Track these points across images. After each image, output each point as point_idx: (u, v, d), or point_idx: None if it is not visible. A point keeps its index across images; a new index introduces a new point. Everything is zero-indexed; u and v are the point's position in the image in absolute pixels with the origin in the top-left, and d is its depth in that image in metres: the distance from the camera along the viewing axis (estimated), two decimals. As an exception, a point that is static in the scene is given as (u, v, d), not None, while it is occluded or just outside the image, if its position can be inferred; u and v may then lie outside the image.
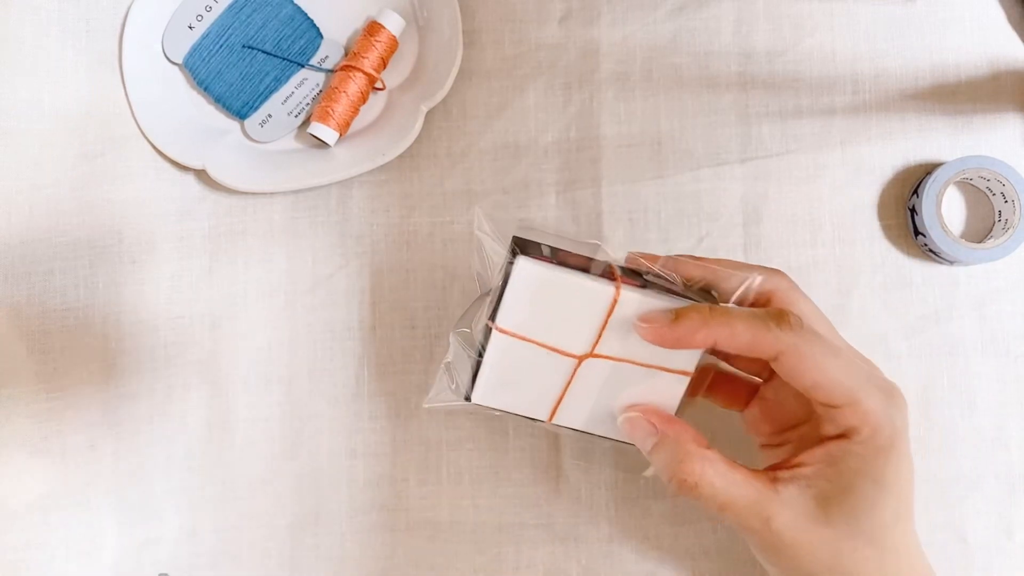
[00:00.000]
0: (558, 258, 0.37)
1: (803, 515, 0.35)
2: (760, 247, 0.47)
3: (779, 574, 0.38)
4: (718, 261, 0.39)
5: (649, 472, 0.41)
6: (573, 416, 0.39)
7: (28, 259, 0.45)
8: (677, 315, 0.35)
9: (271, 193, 0.48)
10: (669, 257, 0.39)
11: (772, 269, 0.39)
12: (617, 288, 0.36)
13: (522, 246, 0.37)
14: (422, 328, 0.47)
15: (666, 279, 0.38)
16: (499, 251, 0.38)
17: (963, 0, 0.48)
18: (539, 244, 0.37)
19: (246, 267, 0.48)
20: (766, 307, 0.37)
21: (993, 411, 0.46)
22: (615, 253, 0.38)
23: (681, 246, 0.47)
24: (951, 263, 0.46)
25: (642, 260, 0.38)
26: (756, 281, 0.37)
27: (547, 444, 0.47)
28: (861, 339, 0.46)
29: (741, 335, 0.35)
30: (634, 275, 0.37)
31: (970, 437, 0.46)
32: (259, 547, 0.47)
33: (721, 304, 0.37)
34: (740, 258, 0.47)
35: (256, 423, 0.47)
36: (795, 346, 0.34)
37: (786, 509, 0.35)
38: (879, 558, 0.35)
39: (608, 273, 0.37)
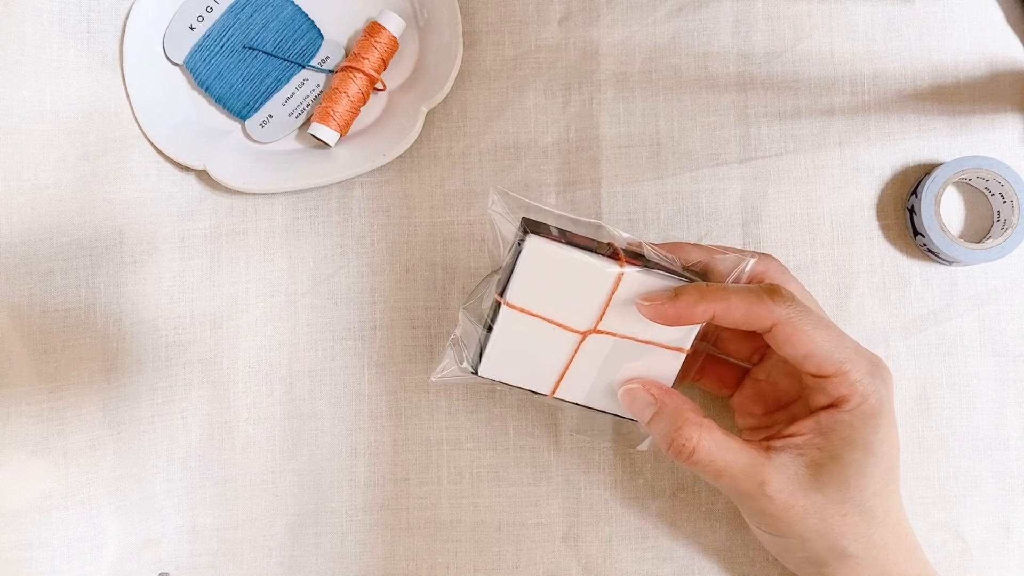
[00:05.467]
0: (567, 238, 0.38)
1: (795, 481, 0.37)
2: (759, 247, 0.47)
3: (771, 539, 0.40)
4: (713, 246, 0.41)
5: (643, 446, 0.42)
6: (574, 391, 0.41)
7: (29, 259, 0.45)
8: (676, 292, 0.37)
9: (272, 193, 0.48)
10: (667, 242, 0.41)
11: (763, 253, 0.41)
12: (621, 267, 0.38)
13: (532, 226, 0.38)
14: (422, 328, 0.48)
15: (666, 261, 0.39)
16: (511, 230, 0.39)
17: (962, 1, 0.48)
18: (548, 224, 0.39)
19: (247, 267, 0.48)
20: None
21: (991, 411, 0.46)
22: (620, 235, 0.39)
23: (680, 246, 0.47)
24: (950, 263, 0.46)
25: (644, 243, 0.39)
26: (749, 263, 0.39)
27: (547, 444, 0.47)
28: (860, 339, 0.46)
29: (737, 308, 0.36)
30: (637, 257, 0.39)
31: (969, 437, 0.46)
32: (260, 546, 0.47)
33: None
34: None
35: (257, 423, 0.47)
36: (788, 317, 0.36)
37: (779, 475, 0.37)
38: (866, 523, 0.37)
39: (613, 253, 0.38)
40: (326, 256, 0.48)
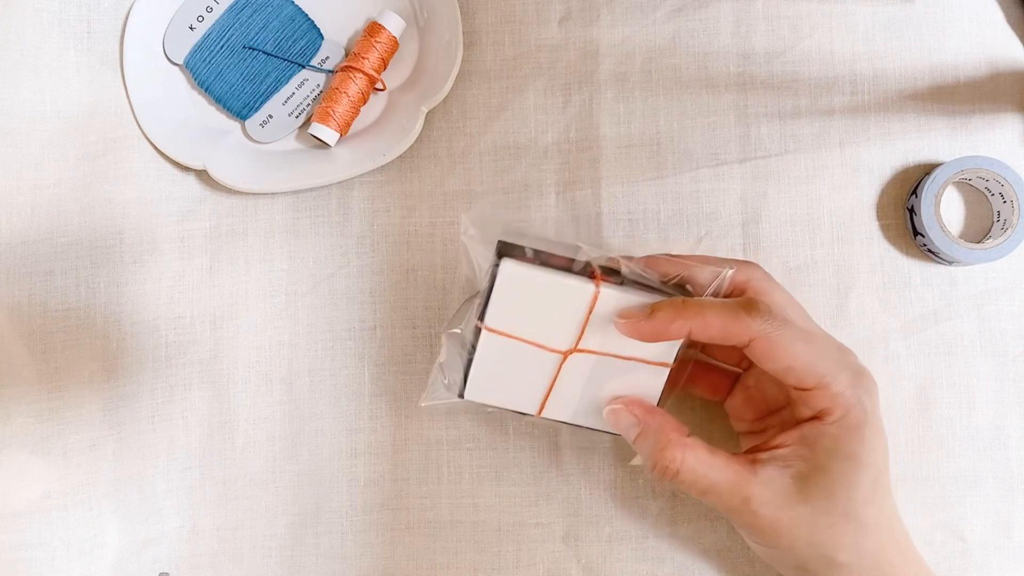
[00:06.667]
0: (541, 259, 0.38)
1: (781, 494, 0.37)
2: (759, 247, 0.47)
3: (763, 550, 0.40)
4: (692, 257, 0.40)
5: (635, 460, 0.42)
6: (561, 409, 0.41)
7: (29, 259, 0.45)
8: (652, 309, 0.37)
9: (272, 193, 0.48)
10: (645, 256, 0.40)
11: (745, 261, 0.40)
12: (597, 286, 0.37)
13: (507, 249, 0.38)
14: (422, 328, 0.48)
15: (643, 277, 0.39)
16: (486, 254, 0.39)
17: (962, 1, 0.48)
18: (523, 247, 0.39)
19: (247, 267, 0.48)
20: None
21: (991, 411, 0.46)
22: (596, 253, 0.39)
23: (680, 246, 0.47)
24: (950, 263, 0.46)
25: (621, 260, 0.39)
26: (728, 274, 0.39)
27: (547, 444, 0.47)
28: (860, 339, 0.47)
29: (713, 324, 0.36)
30: (613, 274, 0.39)
31: (969, 436, 0.46)
32: (260, 546, 0.47)
33: (696, 297, 0.39)
34: (739, 258, 0.47)
35: (257, 423, 0.47)
36: (765, 332, 0.36)
37: (764, 489, 0.37)
38: (856, 532, 0.37)
39: (589, 272, 0.38)
40: (326, 256, 0.48)
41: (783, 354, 0.36)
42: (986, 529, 0.45)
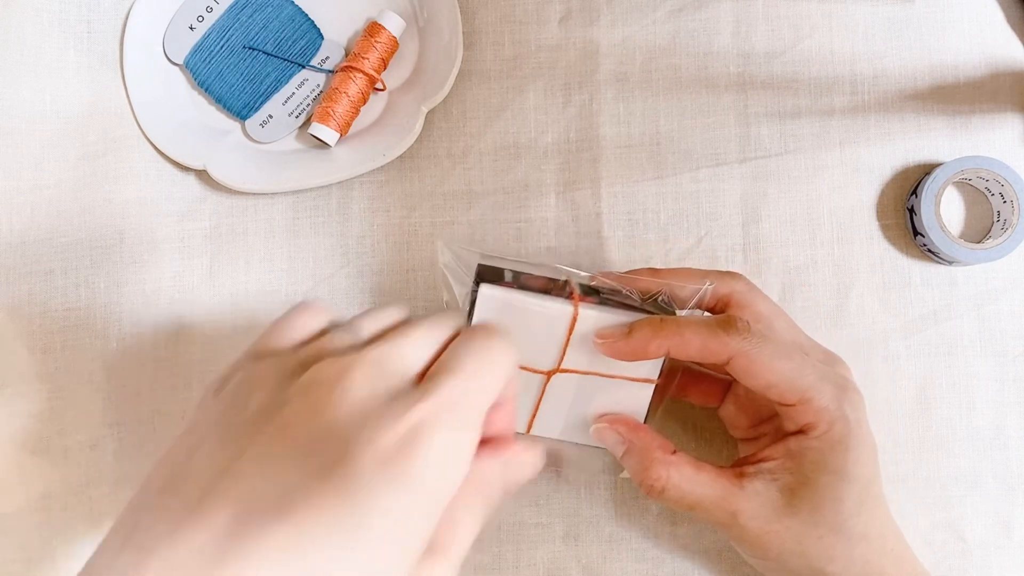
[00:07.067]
0: (520, 282, 0.39)
1: (768, 507, 0.37)
2: (759, 247, 0.47)
3: (756, 561, 0.40)
4: (674, 272, 0.40)
5: (625, 474, 0.42)
6: (549, 427, 0.41)
7: (29, 259, 0.45)
8: (630, 329, 0.37)
9: (272, 193, 0.48)
10: (623, 274, 0.40)
11: (728, 272, 0.40)
12: (575, 307, 0.38)
13: (486, 273, 0.39)
14: (422, 328, 0.48)
15: (624, 294, 0.39)
16: (464, 278, 0.39)
17: (962, 1, 0.48)
18: (502, 270, 0.39)
19: (247, 267, 0.48)
20: (724, 311, 0.39)
21: (991, 411, 0.46)
22: (576, 273, 0.39)
23: (680, 246, 0.47)
24: (950, 263, 0.46)
25: (600, 277, 0.39)
26: (708, 289, 0.39)
27: (547, 443, 0.47)
28: (860, 339, 0.47)
29: (691, 343, 0.36)
30: (593, 293, 0.39)
31: (969, 437, 0.46)
32: (260, 546, 0.47)
33: (678, 312, 0.39)
34: (739, 259, 0.47)
35: (257, 423, 0.47)
36: (744, 350, 0.36)
37: (751, 503, 0.37)
38: (845, 544, 0.37)
39: (568, 292, 0.38)
40: (326, 256, 0.48)
41: (763, 371, 0.36)
42: (986, 529, 0.45)
